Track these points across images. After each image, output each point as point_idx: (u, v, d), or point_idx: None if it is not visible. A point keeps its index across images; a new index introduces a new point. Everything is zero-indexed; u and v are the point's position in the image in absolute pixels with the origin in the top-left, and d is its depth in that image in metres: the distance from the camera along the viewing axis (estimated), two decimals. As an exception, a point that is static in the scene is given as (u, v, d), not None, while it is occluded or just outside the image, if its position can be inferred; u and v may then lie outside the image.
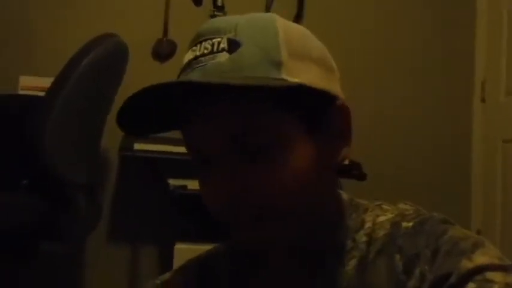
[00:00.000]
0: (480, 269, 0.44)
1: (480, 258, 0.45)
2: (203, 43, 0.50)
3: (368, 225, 0.54)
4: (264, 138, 0.48)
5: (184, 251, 1.88)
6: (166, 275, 0.62)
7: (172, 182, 1.93)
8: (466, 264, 0.45)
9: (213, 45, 0.49)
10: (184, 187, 1.87)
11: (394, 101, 2.52)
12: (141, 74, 2.26)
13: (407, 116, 2.56)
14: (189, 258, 0.63)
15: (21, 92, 2.08)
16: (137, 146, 1.97)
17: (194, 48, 0.50)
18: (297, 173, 0.49)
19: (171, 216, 2.18)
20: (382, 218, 0.54)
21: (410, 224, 0.52)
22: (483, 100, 2.58)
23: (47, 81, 1.71)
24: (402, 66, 2.56)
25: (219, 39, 0.49)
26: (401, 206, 0.56)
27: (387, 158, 2.47)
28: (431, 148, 2.58)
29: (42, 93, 1.70)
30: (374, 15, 2.56)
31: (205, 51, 0.49)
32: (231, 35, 0.49)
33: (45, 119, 1.54)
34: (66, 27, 2.29)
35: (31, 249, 1.67)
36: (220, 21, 0.51)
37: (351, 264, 0.52)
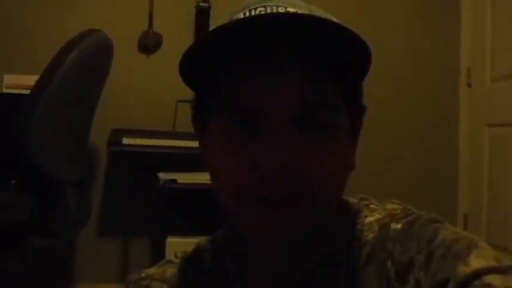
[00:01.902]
0: (478, 274, 0.42)
1: (476, 262, 0.43)
2: (275, 7, 0.46)
3: (357, 227, 0.53)
4: (331, 112, 0.46)
5: (176, 244, 1.88)
6: (152, 269, 0.60)
7: (162, 176, 1.92)
8: (463, 270, 0.43)
9: (288, 12, 0.46)
10: (174, 181, 1.86)
11: (381, 85, 2.52)
12: (127, 68, 2.26)
13: (395, 100, 2.58)
14: (176, 252, 0.62)
15: (5, 91, 2.06)
16: (126, 141, 1.96)
17: (261, 9, 0.46)
18: (346, 166, 0.49)
19: (162, 210, 2.18)
20: (370, 219, 0.53)
21: (399, 225, 0.50)
22: (469, 85, 2.61)
23: (31, 79, 1.70)
24: (392, 52, 2.57)
25: (293, 9, 0.46)
26: (389, 205, 0.55)
27: (373, 143, 2.48)
28: (419, 132, 2.60)
29: (26, 91, 1.68)
30: (360, 3, 2.57)
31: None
32: (305, 11, 0.47)
33: (32, 117, 1.53)
34: (50, 24, 2.26)
35: (22, 246, 1.66)
36: None
37: (345, 269, 0.51)
